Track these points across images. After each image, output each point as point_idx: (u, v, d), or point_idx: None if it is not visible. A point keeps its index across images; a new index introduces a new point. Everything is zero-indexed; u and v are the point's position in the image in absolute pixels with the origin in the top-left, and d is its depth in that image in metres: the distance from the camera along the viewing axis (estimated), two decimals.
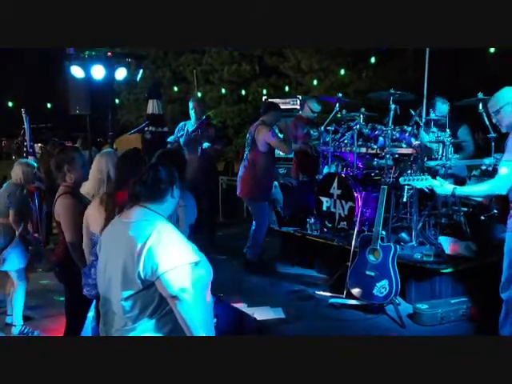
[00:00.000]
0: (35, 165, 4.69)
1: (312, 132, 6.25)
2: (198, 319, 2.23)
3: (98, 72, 7.03)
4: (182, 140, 6.25)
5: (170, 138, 6.44)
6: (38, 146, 13.21)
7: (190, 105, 6.36)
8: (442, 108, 5.46)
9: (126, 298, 2.23)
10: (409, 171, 3.79)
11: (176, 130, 6.47)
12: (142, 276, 2.18)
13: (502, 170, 3.24)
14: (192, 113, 6.29)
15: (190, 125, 6.30)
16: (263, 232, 5.62)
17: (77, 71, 7.03)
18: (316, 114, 6.50)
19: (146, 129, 9.13)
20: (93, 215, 2.99)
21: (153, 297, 2.25)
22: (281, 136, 5.58)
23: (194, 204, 3.31)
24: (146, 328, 2.26)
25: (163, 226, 2.27)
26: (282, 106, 8.97)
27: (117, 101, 13.87)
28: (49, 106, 12.64)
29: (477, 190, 3.61)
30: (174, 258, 2.20)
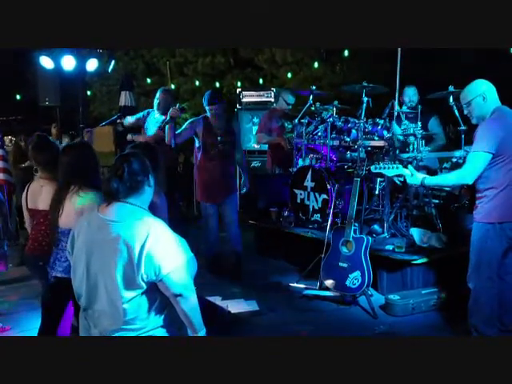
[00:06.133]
0: None
1: (286, 125, 6.26)
2: (199, 313, 2.28)
3: (68, 63, 6.89)
4: (150, 131, 5.58)
5: (126, 120, 5.77)
6: (7, 138, 12.96)
7: (158, 94, 5.57)
8: (413, 97, 5.53)
9: (128, 301, 2.17)
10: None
11: (139, 115, 5.70)
12: (145, 279, 2.15)
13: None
14: (156, 103, 5.51)
15: (153, 115, 5.56)
16: (206, 232, 5.25)
17: (46, 62, 6.88)
18: (290, 106, 6.50)
19: (118, 121, 8.98)
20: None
21: (155, 296, 2.23)
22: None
23: (165, 202, 3.27)
24: (155, 325, 2.25)
25: (155, 224, 2.23)
26: (257, 99, 9.04)
27: (89, 93, 13.65)
28: (18, 97, 12.37)
29: (445, 179, 3.70)
30: (174, 258, 2.19)
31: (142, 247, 2.12)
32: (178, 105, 5.03)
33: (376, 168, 3.64)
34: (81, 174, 3.01)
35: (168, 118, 4.86)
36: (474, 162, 3.27)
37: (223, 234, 5.33)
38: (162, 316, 2.28)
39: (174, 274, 2.17)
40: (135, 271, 2.13)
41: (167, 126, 4.90)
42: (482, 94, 3.34)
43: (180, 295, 2.20)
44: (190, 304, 2.23)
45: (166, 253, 2.18)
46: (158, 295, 2.24)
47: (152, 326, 2.25)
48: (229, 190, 5.15)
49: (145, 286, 2.17)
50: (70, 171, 3.04)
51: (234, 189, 5.28)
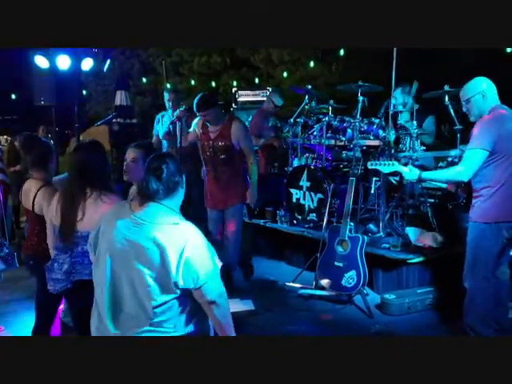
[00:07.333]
0: None
1: (276, 123, 6.26)
2: (231, 320, 2.26)
3: (64, 62, 6.86)
4: (160, 132, 5.92)
5: (154, 131, 6.04)
6: (3, 138, 12.91)
7: (166, 96, 5.91)
8: (400, 98, 5.43)
9: (159, 305, 2.15)
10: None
11: (155, 121, 6.05)
12: (180, 285, 2.13)
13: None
14: (168, 104, 5.82)
15: (168, 116, 5.84)
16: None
17: (41, 61, 6.84)
18: (278, 108, 6.44)
19: (114, 120, 8.97)
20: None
21: (186, 302, 2.22)
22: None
23: None
24: (183, 332, 2.23)
25: (192, 231, 2.20)
26: (253, 99, 9.04)
27: (85, 92, 13.63)
28: (13, 96, 12.33)
29: (441, 174, 3.72)
30: (210, 266, 2.19)
31: (181, 255, 2.09)
32: (183, 107, 5.05)
33: (372, 164, 3.66)
34: (94, 176, 2.84)
35: (175, 118, 4.92)
36: (471, 159, 3.26)
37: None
38: (191, 323, 2.26)
39: (212, 282, 2.17)
40: (170, 277, 2.10)
41: (177, 128, 4.90)
42: (481, 91, 3.32)
43: (214, 302, 2.19)
44: (223, 311, 2.22)
45: (204, 261, 2.17)
46: (189, 302, 2.22)
47: (180, 331, 2.22)
48: (229, 200, 4.70)
49: (178, 292, 2.15)
50: (80, 172, 2.89)
51: (236, 199, 4.72)
